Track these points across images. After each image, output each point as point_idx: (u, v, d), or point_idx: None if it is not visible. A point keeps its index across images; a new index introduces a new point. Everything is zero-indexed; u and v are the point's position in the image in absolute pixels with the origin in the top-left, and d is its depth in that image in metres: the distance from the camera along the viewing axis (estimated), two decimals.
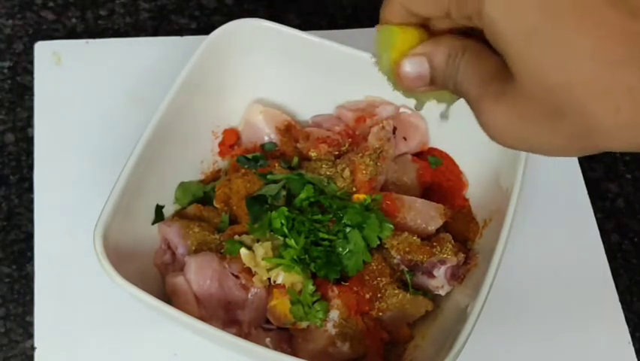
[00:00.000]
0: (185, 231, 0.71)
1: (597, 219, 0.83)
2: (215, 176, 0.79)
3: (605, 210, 0.86)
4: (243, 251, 0.69)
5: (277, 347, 0.67)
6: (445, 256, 0.70)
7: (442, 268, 0.70)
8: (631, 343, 0.77)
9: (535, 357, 0.76)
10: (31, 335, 0.73)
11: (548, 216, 0.83)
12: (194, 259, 0.69)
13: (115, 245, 0.65)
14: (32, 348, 0.72)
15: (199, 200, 0.76)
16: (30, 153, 0.83)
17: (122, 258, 0.65)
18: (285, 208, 0.69)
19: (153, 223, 0.73)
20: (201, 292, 0.68)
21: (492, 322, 0.77)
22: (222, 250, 0.71)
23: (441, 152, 0.79)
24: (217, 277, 0.68)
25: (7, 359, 0.74)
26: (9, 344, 0.75)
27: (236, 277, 0.69)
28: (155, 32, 0.95)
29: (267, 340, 0.68)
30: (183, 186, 0.76)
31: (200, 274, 0.68)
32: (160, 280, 0.72)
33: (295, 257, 0.67)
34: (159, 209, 0.74)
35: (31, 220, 0.78)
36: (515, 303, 0.78)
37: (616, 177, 0.90)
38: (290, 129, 0.79)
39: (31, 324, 0.74)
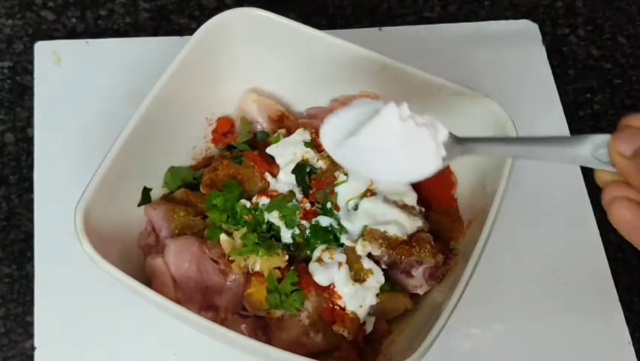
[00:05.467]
0: (170, 214, 0.72)
1: (597, 219, 0.83)
2: (207, 162, 0.79)
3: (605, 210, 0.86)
4: (223, 237, 0.70)
5: (252, 334, 0.68)
6: (423, 256, 0.70)
7: (420, 269, 0.70)
8: (631, 343, 0.77)
9: (535, 357, 0.76)
10: (31, 335, 0.73)
11: (548, 217, 0.83)
12: (174, 242, 0.70)
13: (97, 224, 0.65)
14: (32, 348, 0.72)
15: (188, 185, 0.76)
16: (30, 153, 0.83)
17: (104, 238, 0.65)
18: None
19: (139, 205, 0.74)
20: (179, 275, 0.68)
21: (491, 321, 0.77)
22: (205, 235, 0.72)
23: None
24: (195, 261, 0.69)
25: (7, 359, 0.74)
26: (9, 344, 0.75)
27: (216, 262, 0.70)
28: (155, 32, 0.95)
29: (243, 326, 0.68)
30: (172, 171, 0.77)
31: (178, 257, 0.68)
32: (143, 261, 0.72)
33: (257, 240, 0.69)
34: (146, 191, 0.74)
35: (31, 220, 0.79)
36: (515, 303, 0.78)
37: None
38: (283, 119, 0.80)
39: (31, 324, 0.74)
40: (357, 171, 0.60)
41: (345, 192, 0.72)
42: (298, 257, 0.71)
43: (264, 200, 0.72)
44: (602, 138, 0.52)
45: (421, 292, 0.71)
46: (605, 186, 0.52)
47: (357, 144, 0.58)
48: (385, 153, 0.57)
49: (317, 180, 0.73)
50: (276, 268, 0.69)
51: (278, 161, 0.75)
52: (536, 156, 0.56)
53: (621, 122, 0.52)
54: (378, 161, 0.58)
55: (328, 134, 0.60)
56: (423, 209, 0.74)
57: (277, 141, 0.76)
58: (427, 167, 0.58)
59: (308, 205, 0.72)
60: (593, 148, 0.52)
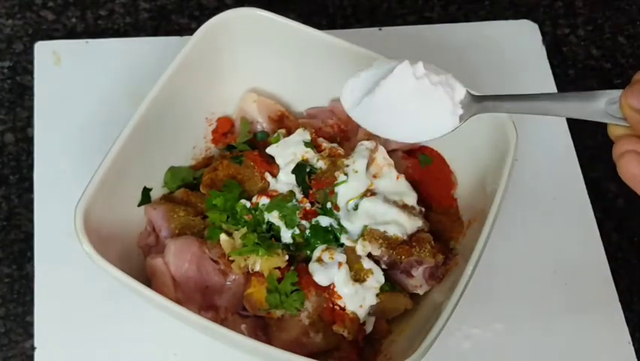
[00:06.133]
0: (170, 214, 0.72)
1: (597, 219, 0.83)
2: (207, 162, 0.80)
3: (605, 210, 0.86)
4: (223, 237, 0.70)
5: (252, 334, 0.68)
6: (423, 256, 0.70)
7: (420, 269, 0.70)
8: (631, 343, 0.77)
9: (535, 357, 0.76)
10: (31, 335, 0.73)
11: (549, 216, 0.83)
12: (174, 242, 0.70)
13: (97, 224, 0.65)
14: (32, 348, 0.72)
15: (188, 185, 0.77)
16: (30, 153, 0.83)
17: (104, 238, 0.66)
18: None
19: (139, 205, 0.74)
20: (179, 275, 0.68)
21: (491, 321, 0.77)
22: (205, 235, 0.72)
23: (432, 150, 0.79)
24: (195, 261, 0.69)
25: (7, 359, 0.74)
26: (9, 344, 0.75)
27: (216, 262, 0.70)
28: (155, 32, 0.95)
29: (243, 326, 0.68)
30: (172, 171, 0.77)
31: (178, 257, 0.69)
32: (143, 261, 0.72)
33: (257, 240, 0.69)
34: (146, 191, 0.74)
35: (31, 220, 0.79)
36: (515, 303, 0.78)
37: (616, 177, 0.88)
38: (283, 119, 0.80)
39: (31, 324, 0.74)
40: (373, 130, 0.61)
41: (345, 192, 0.72)
42: (298, 257, 0.71)
43: (264, 200, 0.72)
44: (615, 93, 0.53)
45: (421, 292, 0.71)
46: (616, 140, 0.53)
47: (373, 104, 0.59)
48: (400, 112, 0.58)
49: (317, 180, 0.73)
50: (276, 268, 0.69)
51: (278, 161, 0.75)
52: (553, 112, 0.56)
53: (634, 77, 0.52)
54: (394, 120, 0.59)
55: (347, 95, 0.60)
56: (423, 209, 0.74)
57: (277, 141, 0.76)
58: (443, 126, 0.59)
59: (308, 205, 0.72)
60: (607, 103, 0.53)
